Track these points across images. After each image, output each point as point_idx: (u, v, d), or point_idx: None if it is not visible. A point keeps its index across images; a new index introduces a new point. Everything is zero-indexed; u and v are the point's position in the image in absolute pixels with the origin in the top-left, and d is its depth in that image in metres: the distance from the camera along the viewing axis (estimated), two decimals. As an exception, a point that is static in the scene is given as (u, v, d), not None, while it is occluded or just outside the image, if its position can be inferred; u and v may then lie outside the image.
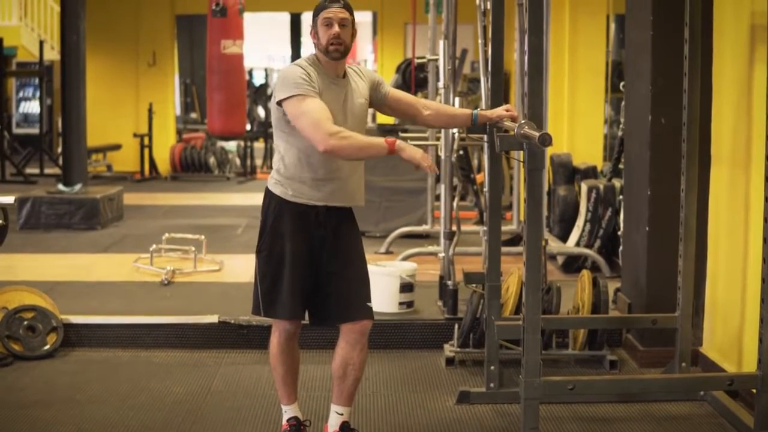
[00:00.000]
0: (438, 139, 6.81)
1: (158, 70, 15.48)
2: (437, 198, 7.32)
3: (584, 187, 7.47)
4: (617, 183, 7.27)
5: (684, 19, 4.65)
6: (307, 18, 20.15)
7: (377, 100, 4.10)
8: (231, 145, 16.15)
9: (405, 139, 7.59)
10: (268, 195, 3.99)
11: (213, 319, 5.76)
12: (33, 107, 17.19)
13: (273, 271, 3.96)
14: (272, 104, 3.93)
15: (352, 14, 3.91)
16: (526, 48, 3.75)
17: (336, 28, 3.83)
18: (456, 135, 6.08)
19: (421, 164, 3.72)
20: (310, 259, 3.97)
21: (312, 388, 5.00)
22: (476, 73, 12.32)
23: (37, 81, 16.39)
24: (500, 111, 4.21)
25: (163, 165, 14.91)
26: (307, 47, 19.80)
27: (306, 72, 3.82)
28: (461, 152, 8.16)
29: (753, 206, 4.55)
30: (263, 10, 16.81)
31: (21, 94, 17.62)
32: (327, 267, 3.99)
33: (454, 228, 6.08)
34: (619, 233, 6.82)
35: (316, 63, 3.91)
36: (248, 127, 14.72)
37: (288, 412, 4.19)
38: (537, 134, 3.58)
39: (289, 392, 4.18)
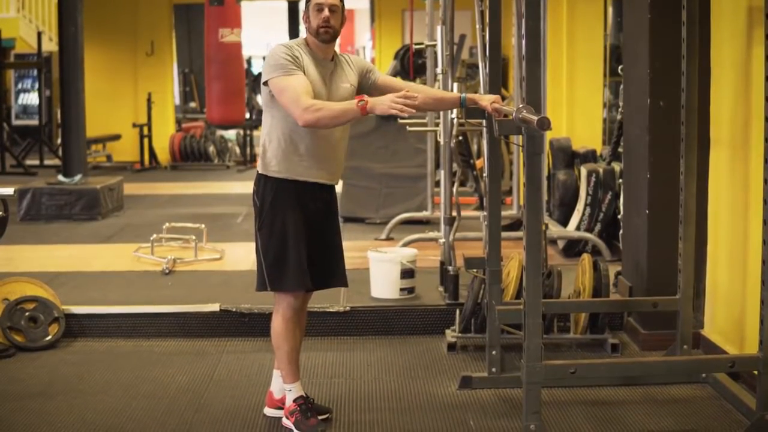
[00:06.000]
0: (437, 124, 6.80)
1: (156, 59, 15.47)
2: (437, 184, 7.30)
3: (584, 171, 7.46)
4: (617, 167, 7.26)
5: (681, 1, 4.64)
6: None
7: (367, 86, 4.28)
8: (230, 134, 16.14)
9: (404, 125, 7.61)
10: (259, 176, 4.20)
11: (214, 307, 5.77)
12: (32, 99, 17.16)
13: (276, 245, 4.11)
14: (262, 85, 4.12)
15: (341, 1, 4.14)
16: (523, 32, 3.74)
17: (326, 13, 4.06)
18: (455, 120, 6.07)
19: (397, 114, 3.81)
20: (305, 231, 4.14)
21: (314, 374, 5.00)
22: (474, 59, 12.29)
23: (35, 72, 16.36)
24: (486, 104, 4.22)
25: (163, 154, 14.90)
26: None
27: (290, 51, 4.03)
28: (460, 138, 8.16)
29: (753, 188, 4.54)
30: (261, -2, 16.78)
31: (20, 86, 17.59)
32: (318, 238, 4.18)
33: (455, 213, 6.08)
34: (619, 217, 6.82)
35: (304, 45, 4.12)
36: (247, 115, 14.71)
37: (293, 391, 4.22)
38: (536, 118, 3.57)
39: (294, 369, 4.23)
